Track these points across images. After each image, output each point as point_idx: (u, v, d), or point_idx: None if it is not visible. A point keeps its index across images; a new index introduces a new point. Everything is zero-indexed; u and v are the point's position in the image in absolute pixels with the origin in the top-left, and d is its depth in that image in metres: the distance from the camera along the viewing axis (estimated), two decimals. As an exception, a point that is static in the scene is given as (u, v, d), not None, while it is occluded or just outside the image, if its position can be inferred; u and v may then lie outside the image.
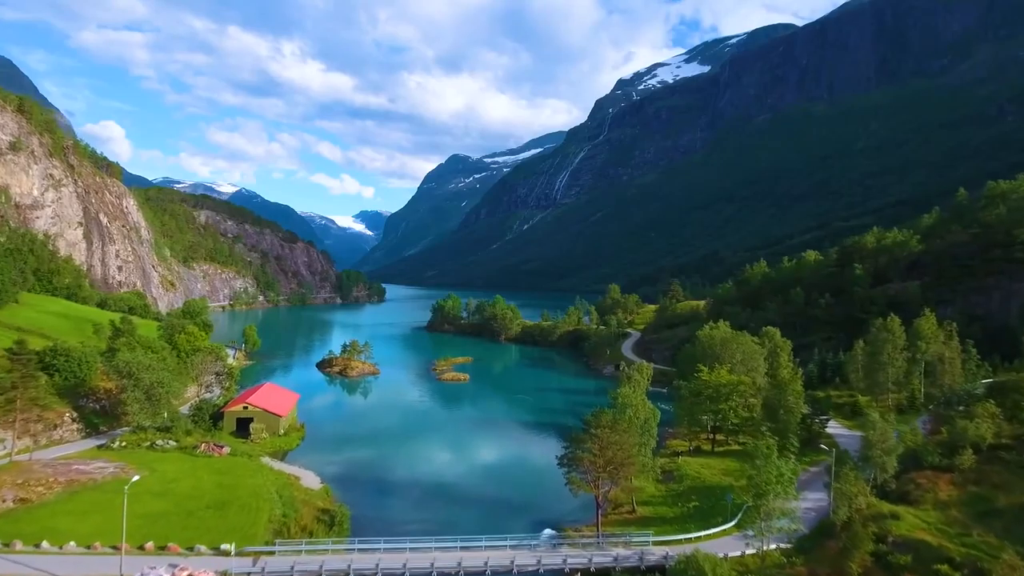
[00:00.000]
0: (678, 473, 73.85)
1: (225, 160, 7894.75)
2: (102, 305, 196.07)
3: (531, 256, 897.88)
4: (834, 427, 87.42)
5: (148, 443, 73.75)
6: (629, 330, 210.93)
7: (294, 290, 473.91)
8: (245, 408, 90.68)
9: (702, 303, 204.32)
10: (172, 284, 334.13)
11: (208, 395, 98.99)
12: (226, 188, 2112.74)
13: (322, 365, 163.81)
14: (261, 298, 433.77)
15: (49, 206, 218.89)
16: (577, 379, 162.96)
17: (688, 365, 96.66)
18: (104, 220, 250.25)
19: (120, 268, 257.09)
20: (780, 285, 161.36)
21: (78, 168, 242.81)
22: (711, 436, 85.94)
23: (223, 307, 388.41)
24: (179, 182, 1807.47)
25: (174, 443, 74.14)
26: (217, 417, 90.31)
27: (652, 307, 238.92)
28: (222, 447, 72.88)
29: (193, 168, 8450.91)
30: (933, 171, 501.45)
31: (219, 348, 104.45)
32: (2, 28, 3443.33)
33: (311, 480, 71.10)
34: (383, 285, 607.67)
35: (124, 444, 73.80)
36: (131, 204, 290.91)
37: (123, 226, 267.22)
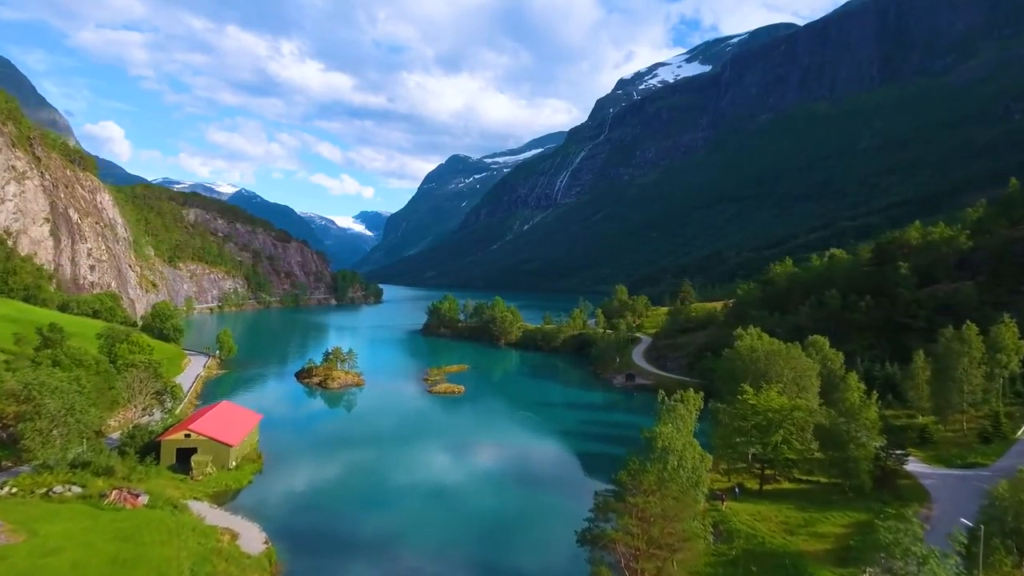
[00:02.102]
0: (726, 527, 57.69)
1: (225, 160, 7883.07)
2: (64, 308, 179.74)
3: (531, 256, 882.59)
4: (912, 463, 71.13)
5: (45, 489, 57.26)
6: (638, 334, 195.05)
7: (287, 291, 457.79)
8: (187, 436, 74.44)
9: (718, 305, 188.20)
10: (154, 285, 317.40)
11: (147, 419, 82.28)
12: (226, 188, 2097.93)
13: (301, 375, 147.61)
14: (252, 299, 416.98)
15: (10, 200, 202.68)
16: (584, 391, 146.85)
17: (726, 383, 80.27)
18: (74, 216, 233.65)
19: (93, 268, 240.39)
20: (810, 286, 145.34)
21: (45, 160, 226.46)
22: (759, 471, 69.66)
23: (212, 309, 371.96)
24: (179, 182, 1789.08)
25: (79, 488, 57.57)
26: (153, 447, 74.13)
27: (663, 309, 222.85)
28: (137, 495, 56.30)
29: (192, 168, 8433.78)
30: (937, 170, 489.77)
31: (156, 364, 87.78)
32: (1, 28, 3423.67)
33: (252, 538, 54.65)
34: (382, 286, 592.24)
35: (14, 490, 56.99)
36: (106, 199, 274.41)
37: (96, 223, 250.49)
